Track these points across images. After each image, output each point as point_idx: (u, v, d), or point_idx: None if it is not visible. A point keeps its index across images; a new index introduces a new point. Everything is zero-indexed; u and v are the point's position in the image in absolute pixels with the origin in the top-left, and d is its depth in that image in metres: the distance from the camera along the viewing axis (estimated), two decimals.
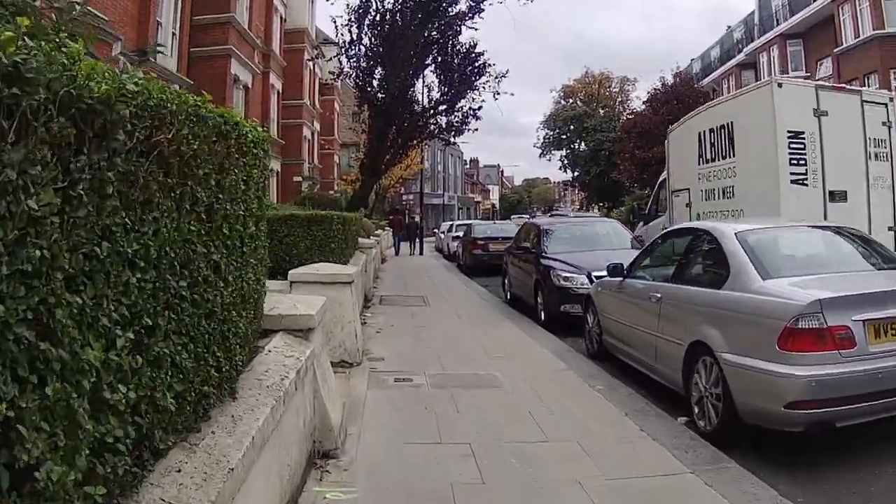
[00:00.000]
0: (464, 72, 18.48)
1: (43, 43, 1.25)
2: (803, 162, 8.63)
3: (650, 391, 6.06)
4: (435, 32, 18.31)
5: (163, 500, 1.71)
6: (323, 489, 3.52)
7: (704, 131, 10.70)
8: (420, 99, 20.06)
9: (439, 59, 18.71)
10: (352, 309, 6.50)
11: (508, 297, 12.57)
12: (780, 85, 8.96)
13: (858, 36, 27.69)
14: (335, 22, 18.59)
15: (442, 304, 11.81)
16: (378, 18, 17.87)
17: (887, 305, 4.29)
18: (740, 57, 38.22)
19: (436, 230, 39.87)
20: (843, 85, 12.33)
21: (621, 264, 6.88)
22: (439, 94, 19.15)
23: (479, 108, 18.88)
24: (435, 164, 65.50)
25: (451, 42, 18.47)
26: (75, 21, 2.26)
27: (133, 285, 1.56)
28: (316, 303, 4.03)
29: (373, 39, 18.03)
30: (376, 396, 5.51)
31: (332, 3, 49.66)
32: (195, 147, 1.86)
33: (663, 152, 13.23)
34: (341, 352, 6.46)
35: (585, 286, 9.15)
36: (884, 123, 9.09)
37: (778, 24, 34.06)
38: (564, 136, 54.97)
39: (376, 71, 18.39)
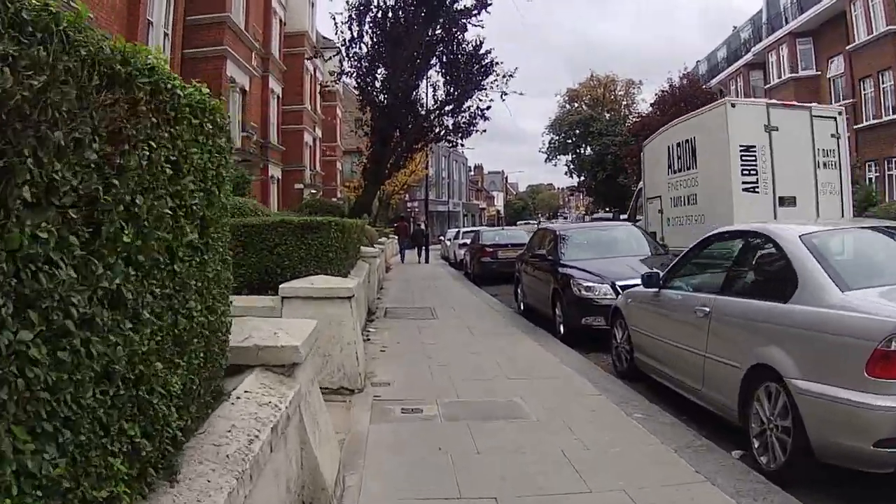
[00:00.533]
0: (470, 71, 17.64)
1: None
2: (754, 172, 9.68)
3: (692, 416, 5.29)
4: (440, 31, 17.56)
5: None
6: None
7: (672, 145, 11.93)
8: (425, 100, 19.27)
9: (444, 58, 17.91)
10: (352, 327, 5.71)
11: (522, 307, 11.77)
12: (733, 105, 10.07)
13: (871, 32, 26.99)
14: (335, 19, 17.82)
15: (451, 317, 11.01)
16: (380, 16, 17.10)
17: None
18: (748, 57, 37.47)
19: (441, 237, 39.01)
20: (794, 102, 13.59)
21: (657, 273, 6.08)
22: (445, 94, 18.35)
23: (488, 107, 18.07)
24: (439, 171, 64.82)
25: (456, 40, 17.66)
26: None
27: None
28: (304, 329, 3.24)
29: (374, 38, 17.24)
30: (381, 432, 4.71)
31: (332, 0, 48.79)
32: (40, 89, 1.09)
33: None
34: (340, 377, 5.67)
35: (609, 297, 8.37)
36: (833, 135, 10.10)
37: (787, 23, 33.32)
38: (570, 141, 54.17)
39: (378, 71, 17.58)
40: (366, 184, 19.97)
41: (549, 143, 56.10)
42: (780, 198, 9.71)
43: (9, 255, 0.99)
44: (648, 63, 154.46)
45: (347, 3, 17.15)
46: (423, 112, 18.81)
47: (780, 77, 33.43)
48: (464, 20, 17.25)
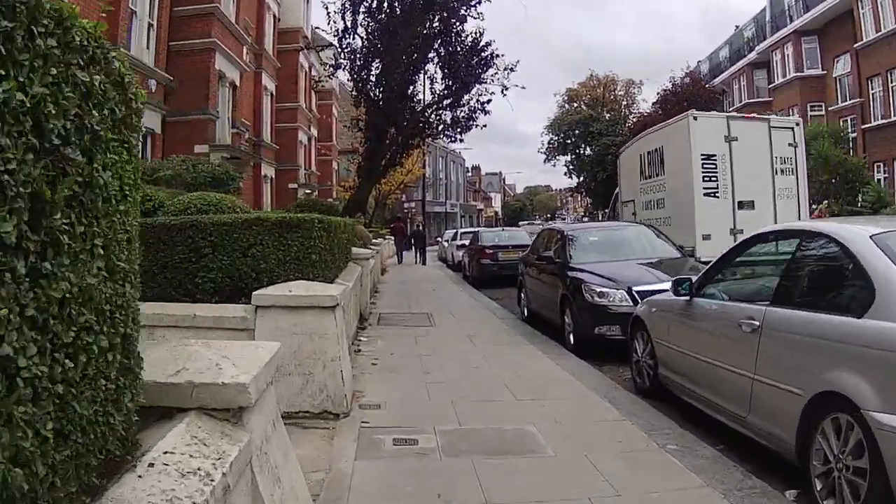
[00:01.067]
0: (470, 64, 16.76)
1: None
2: (715, 179, 10.62)
3: (730, 444, 4.56)
4: (437, 23, 16.71)
5: None
6: None
7: (644, 153, 12.96)
8: (422, 94, 18.40)
9: (443, 50, 17.03)
10: (337, 341, 4.90)
11: (525, 313, 10.96)
12: (695, 118, 10.98)
13: (880, 30, 26.40)
14: (327, 8, 16.92)
15: (450, 324, 10.19)
16: (374, 5, 16.21)
17: None
18: (752, 56, 36.85)
19: (439, 238, 38.13)
20: (754, 115, 14.56)
21: (689, 279, 5.29)
22: (443, 87, 17.47)
23: (489, 101, 17.19)
24: (437, 172, 64.02)
25: (455, 32, 16.79)
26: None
27: None
28: (258, 358, 2.43)
29: (369, 28, 16.38)
30: (368, 472, 3.89)
31: None
32: None
33: None
34: (323, 399, 4.87)
35: (625, 304, 7.60)
36: (790, 144, 11.00)
37: (791, 21, 32.68)
38: (570, 141, 53.24)
39: (373, 64, 16.72)
40: (360, 181, 19.08)
41: (549, 143, 55.20)
42: (740, 202, 10.64)
43: None
44: (647, 66, 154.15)
45: None
46: (419, 107, 17.93)
47: (784, 76, 32.81)
48: (463, 10, 16.39)
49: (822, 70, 30.91)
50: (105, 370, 1.54)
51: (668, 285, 7.67)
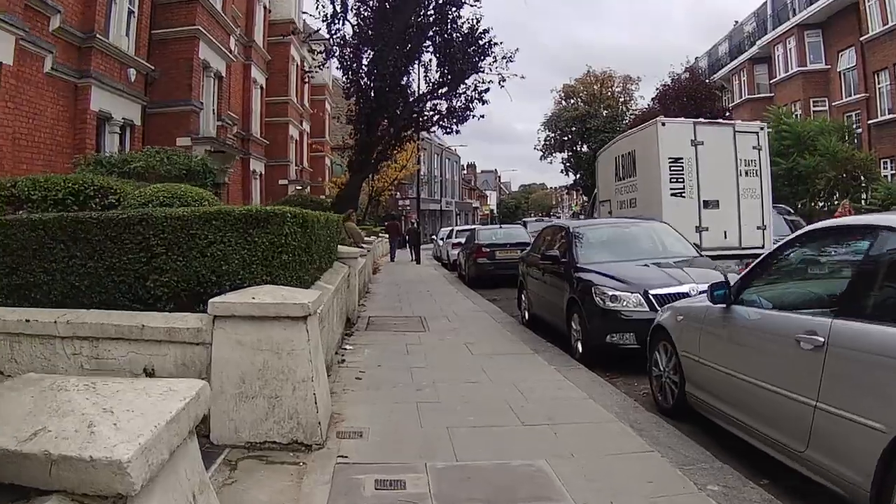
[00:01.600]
0: (466, 51, 15.88)
1: None
2: (681, 180, 11.35)
3: (774, 478, 3.88)
4: (432, 10, 15.85)
5: None
6: None
7: (618, 156, 13.82)
8: (416, 83, 17.51)
9: (438, 38, 16.14)
10: (308, 358, 4.09)
11: (526, 317, 10.15)
12: (663, 124, 11.71)
13: (887, 23, 25.78)
14: None
15: (445, 329, 9.37)
16: None
17: None
18: (753, 50, 36.14)
19: (434, 237, 37.23)
20: (719, 119, 15.91)
21: (726, 283, 4.49)
22: (439, 75, 16.58)
23: (487, 89, 16.31)
24: (432, 169, 63.16)
25: (450, 18, 15.91)
26: None
27: None
28: (165, 409, 1.63)
29: (360, 13, 15.49)
30: None
31: None
32: None
33: None
34: (292, 426, 4.06)
35: (640, 309, 6.83)
36: (754, 147, 11.64)
37: (794, 15, 31.97)
38: (567, 138, 52.44)
39: (365, 51, 15.83)
40: (350, 175, 18.16)
41: (545, 140, 54.36)
42: (705, 201, 11.34)
43: None
44: (640, 66, 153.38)
45: None
46: (413, 97, 17.04)
47: (786, 71, 32.10)
48: None
49: (826, 64, 30.22)
50: None
51: (687, 288, 6.95)
